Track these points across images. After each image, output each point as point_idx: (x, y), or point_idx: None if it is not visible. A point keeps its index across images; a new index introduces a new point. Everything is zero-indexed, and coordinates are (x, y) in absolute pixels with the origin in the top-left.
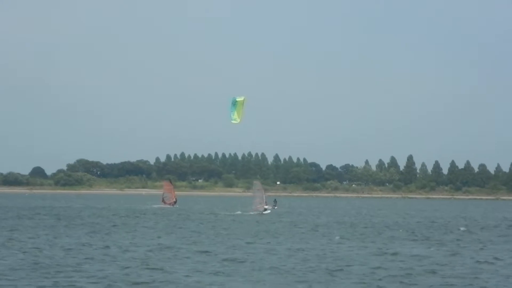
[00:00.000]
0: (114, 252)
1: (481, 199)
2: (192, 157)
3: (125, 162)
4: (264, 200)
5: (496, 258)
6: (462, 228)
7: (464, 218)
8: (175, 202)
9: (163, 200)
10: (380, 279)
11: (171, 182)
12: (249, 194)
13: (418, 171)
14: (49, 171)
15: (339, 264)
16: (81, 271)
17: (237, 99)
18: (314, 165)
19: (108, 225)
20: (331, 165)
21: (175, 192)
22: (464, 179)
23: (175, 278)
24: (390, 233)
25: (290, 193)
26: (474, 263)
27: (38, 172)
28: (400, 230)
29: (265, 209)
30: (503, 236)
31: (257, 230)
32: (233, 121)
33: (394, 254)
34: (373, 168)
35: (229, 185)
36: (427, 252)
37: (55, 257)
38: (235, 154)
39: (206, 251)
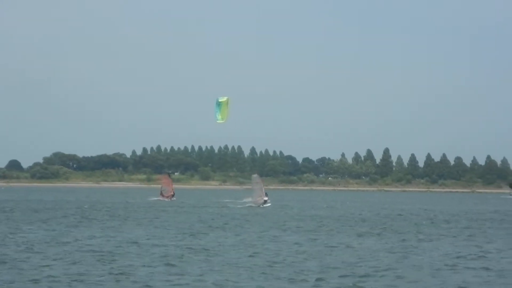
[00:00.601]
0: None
1: (457, 192)
2: (168, 150)
3: (101, 155)
4: (264, 193)
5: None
6: (424, 222)
7: (430, 211)
8: (173, 195)
9: (161, 193)
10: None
11: (169, 176)
12: (226, 187)
13: (394, 164)
14: (25, 164)
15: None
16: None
17: (220, 100)
18: (291, 158)
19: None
20: (308, 158)
21: (173, 186)
22: (440, 172)
23: None
24: (344, 225)
25: (266, 186)
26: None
27: (14, 165)
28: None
29: (265, 201)
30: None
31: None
32: (218, 121)
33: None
34: (349, 161)
35: (206, 178)
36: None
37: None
38: (211, 147)
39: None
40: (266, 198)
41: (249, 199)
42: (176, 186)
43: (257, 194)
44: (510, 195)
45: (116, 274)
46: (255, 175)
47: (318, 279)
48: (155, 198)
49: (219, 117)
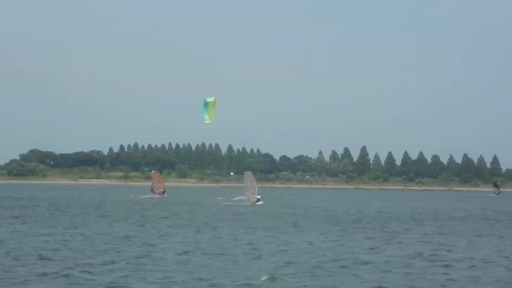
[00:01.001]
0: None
1: (434, 190)
2: (145, 148)
3: (78, 153)
4: (257, 191)
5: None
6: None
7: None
8: (163, 192)
9: (152, 190)
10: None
11: (160, 173)
12: (203, 185)
13: (371, 162)
14: (1, 161)
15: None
16: None
17: (207, 100)
18: (268, 156)
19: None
20: (285, 156)
21: (164, 183)
22: (417, 170)
23: None
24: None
25: (243, 184)
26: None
27: None
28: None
29: (258, 200)
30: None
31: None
32: (206, 121)
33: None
34: (327, 159)
35: (183, 175)
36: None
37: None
38: (189, 144)
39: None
40: (258, 197)
41: (242, 197)
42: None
43: (250, 192)
44: (494, 193)
45: None
46: (248, 172)
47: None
48: (147, 196)
49: (207, 117)
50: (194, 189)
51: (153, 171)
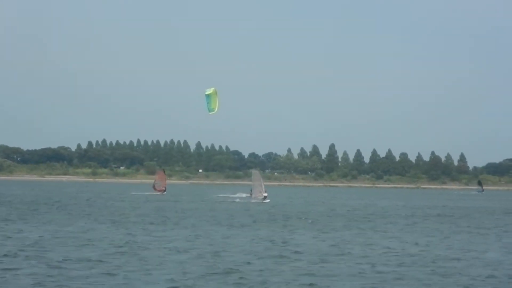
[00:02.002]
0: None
1: (402, 187)
2: (114, 144)
3: (46, 149)
4: (263, 189)
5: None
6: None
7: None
8: (164, 190)
9: (153, 187)
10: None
11: (164, 172)
12: (172, 181)
13: (340, 159)
14: None
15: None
16: None
17: (206, 93)
18: (237, 153)
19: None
20: (254, 153)
21: (166, 181)
22: (385, 168)
23: None
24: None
25: (212, 181)
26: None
27: None
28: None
29: (265, 197)
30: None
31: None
32: (210, 112)
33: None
34: (295, 156)
35: (151, 172)
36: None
37: None
38: (157, 141)
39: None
40: (265, 194)
41: (243, 195)
42: (121, 180)
43: (257, 190)
44: (478, 191)
45: None
46: (255, 171)
47: None
48: (148, 193)
49: (211, 107)
50: (180, 186)
51: (157, 168)
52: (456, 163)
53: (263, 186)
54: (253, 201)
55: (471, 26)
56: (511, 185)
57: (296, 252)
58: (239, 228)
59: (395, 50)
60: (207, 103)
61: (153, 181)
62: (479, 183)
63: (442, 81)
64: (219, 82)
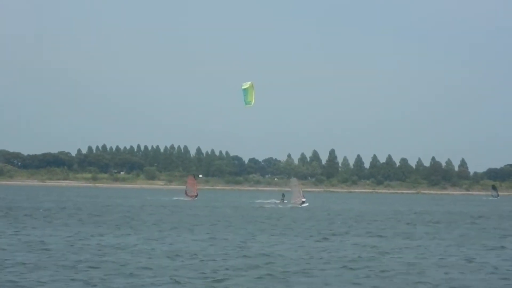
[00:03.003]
0: None
1: (402, 193)
2: (114, 149)
3: (46, 154)
4: (301, 194)
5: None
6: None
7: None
8: (196, 196)
9: (186, 193)
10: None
11: (194, 177)
12: (172, 187)
13: (340, 165)
14: None
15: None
16: None
17: (243, 87)
18: (237, 158)
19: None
20: (254, 158)
21: (197, 187)
22: (385, 173)
23: None
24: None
25: (212, 186)
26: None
27: None
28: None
29: (303, 202)
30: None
31: None
32: (246, 105)
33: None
34: (296, 161)
35: (151, 177)
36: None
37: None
38: (157, 146)
39: None
40: (303, 199)
41: (276, 200)
42: (121, 185)
43: (296, 195)
44: (493, 196)
45: None
46: (293, 178)
47: None
48: (181, 199)
49: (247, 100)
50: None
51: (188, 176)
52: (456, 168)
53: (301, 192)
54: (290, 206)
55: (470, 29)
56: None
57: None
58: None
59: (397, 54)
60: (244, 95)
61: (184, 187)
62: (494, 188)
63: (442, 86)
64: (220, 86)
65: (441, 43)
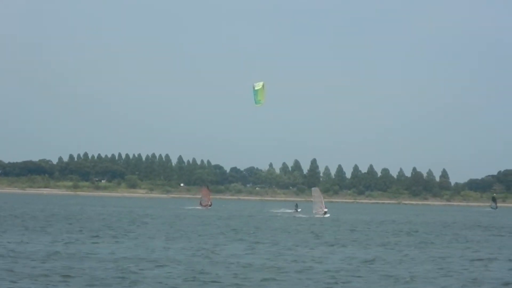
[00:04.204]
0: None
1: (383, 203)
2: (95, 157)
3: (27, 161)
4: (323, 205)
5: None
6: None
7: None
8: (210, 205)
9: (200, 203)
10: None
11: (208, 188)
12: (153, 195)
13: (321, 174)
14: None
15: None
16: None
17: (256, 88)
18: (218, 167)
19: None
20: (235, 167)
21: (211, 196)
22: (367, 183)
23: None
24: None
25: (193, 195)
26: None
27: None
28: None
29: (325, 212)
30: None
31: None
32: (257, 104)
33: None
34: (277, 171)
35: (133, 186)
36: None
37: None
38: (139, 155)
39: None
40: (326, 210)
41: (287, 210)
42: (102, 194)
43: (318, 206)
44: (491, 207)
45: None
46: (315, 189)
47: None
48: (191, 207)
49: (257, 99)
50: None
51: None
52: (437, 179)
53: (323, 202)
54: (314, 215)
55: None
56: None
57: None
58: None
59: (378, 68)
60: (255, 95)
61: (200, 197)
62: (493, 200)
63: (424, 98)
64: (203, 96)
65: (423, 60)
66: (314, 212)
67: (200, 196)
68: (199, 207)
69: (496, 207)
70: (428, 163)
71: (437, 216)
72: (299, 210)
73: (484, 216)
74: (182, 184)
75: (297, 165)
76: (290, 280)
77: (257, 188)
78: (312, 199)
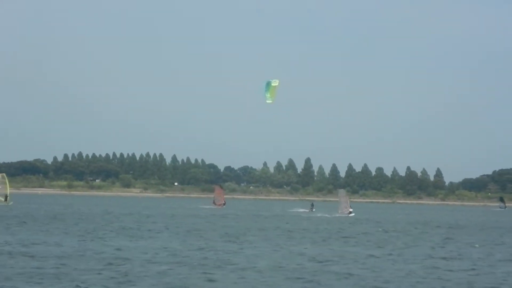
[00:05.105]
0: None
1: (378, 202)
2: (90, 157)
3: (22, 161)
4: (349, 205)
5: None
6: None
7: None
8: (224, 204)
9: (214, 202)
10: None
11: (221, 187)
12: (147, 194)
13: (315, 173)
14: None
15: None
16: None
17: (272, 84)
18: (212, 166)
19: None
20: (229, 166)
21: (224, 196)
22: (361, 182)
23: None
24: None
25: (187, 194)
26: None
27: None
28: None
29: (350, 212)
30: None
31: None
32: (268, 101)
33: None
34: (271, 170)
35: (127, 185)
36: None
37: None
38: (133, 154)
39: None
40: (351, 209)
41: (301, 209)
42: (96, 193)
43: (343, 206)
44: (500, 207)
45: None
46: (341, 190)
47: None
48: (207, 206)
49: (268, 96)
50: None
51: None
52: (432, 178)
53: (348, 203)
54: (338, 215)
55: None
56: (488, 201)
57: None
58: None
59: (374, 69)
60: (267, 91)
61: (213, 197)
62: (501, 200)
63: (418, 98)
64: (197, 95)
65: (421, 64)
66: (339, 212)
67: (213, 196)
68: (213, 206)
69: (505, 207)
70: (422, 163)
71: (460, 216)
72: (314, 210)
73: (505, 216)
74: (176, 183)
75: (291, 164)
76: None
77: (251, 187)
78: (338, 199)
